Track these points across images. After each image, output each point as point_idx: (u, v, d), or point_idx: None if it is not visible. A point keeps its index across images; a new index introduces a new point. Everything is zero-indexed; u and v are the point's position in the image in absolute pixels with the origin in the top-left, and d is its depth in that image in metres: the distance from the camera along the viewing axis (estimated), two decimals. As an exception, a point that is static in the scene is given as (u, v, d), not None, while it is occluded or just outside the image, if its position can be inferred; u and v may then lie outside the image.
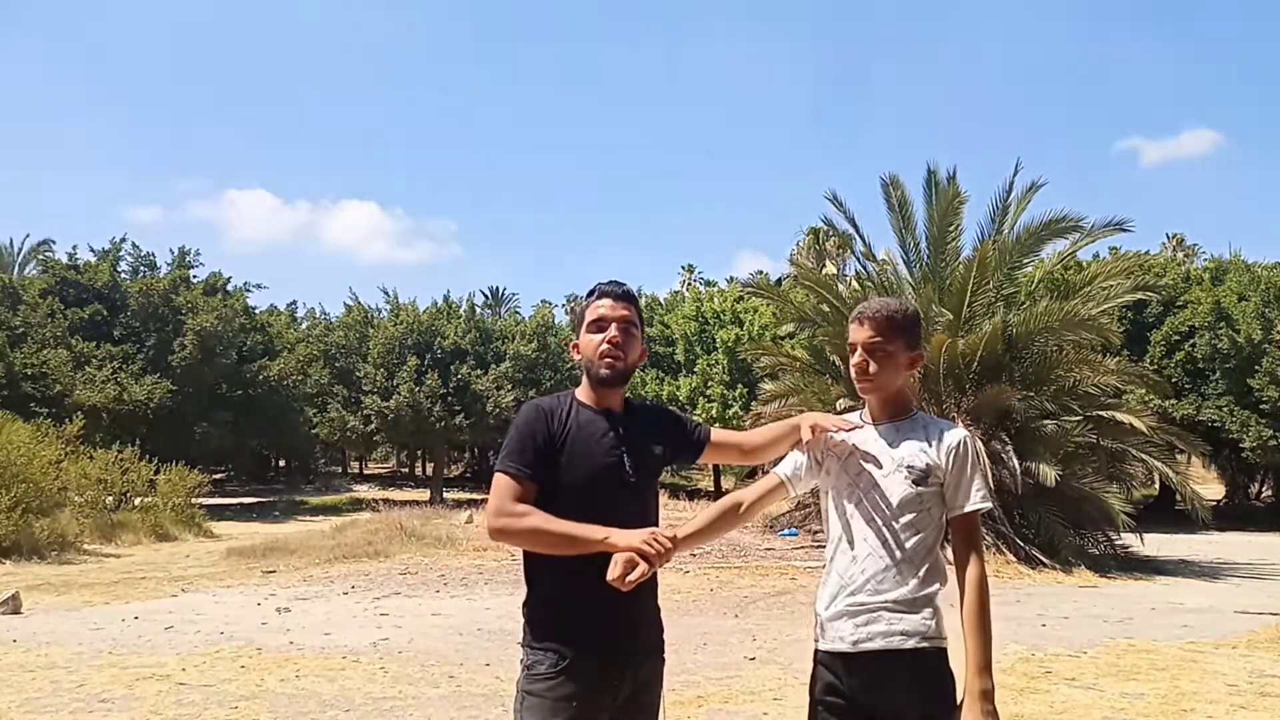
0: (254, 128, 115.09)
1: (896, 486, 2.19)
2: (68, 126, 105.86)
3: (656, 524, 2.24)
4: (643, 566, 2.02)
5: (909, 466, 2.19)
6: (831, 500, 2.29)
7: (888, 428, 2.26)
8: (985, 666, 2.08)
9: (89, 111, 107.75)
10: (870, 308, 2.27)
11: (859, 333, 2.25)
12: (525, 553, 2.26)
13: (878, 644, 2.12)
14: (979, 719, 2.05)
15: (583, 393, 2.32)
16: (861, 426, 2.29)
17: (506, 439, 2.26)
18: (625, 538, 2.05)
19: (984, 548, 2.31)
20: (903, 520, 2.17)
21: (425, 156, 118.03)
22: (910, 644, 2.11)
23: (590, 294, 2.36)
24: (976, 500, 2.19)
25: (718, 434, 2.54)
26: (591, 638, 2.15)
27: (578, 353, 2.34)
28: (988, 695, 2.06)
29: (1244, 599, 10.17)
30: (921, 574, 2.16)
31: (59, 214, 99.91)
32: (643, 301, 32.28)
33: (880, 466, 2.21)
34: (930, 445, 2.21)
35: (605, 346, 2.25)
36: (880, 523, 2.18)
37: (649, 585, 2.19)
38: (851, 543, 2.21)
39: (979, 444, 2.23)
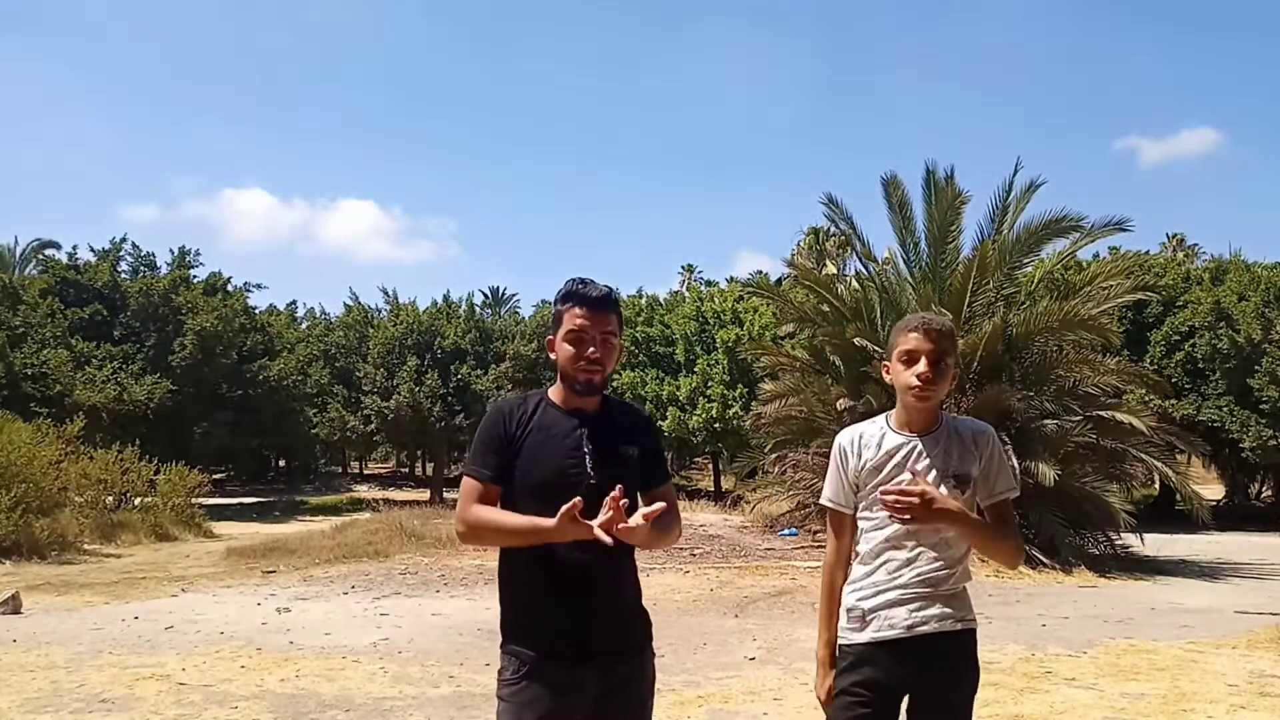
0: (251, 126, 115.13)
1: (945, 495, 2.27)
2: (63, 124, 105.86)
3: None
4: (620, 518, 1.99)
5: (955, 475, 2.31)
6: (878, 508, 2.33)
7: (929, 439, 2.36)
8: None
9: (84, 108, 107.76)
10: (934, 321, 2.37)
11: (922, 343, 2.31)
12: (499, 554, 2.26)
13: (931, 627, 2.26)
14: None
15: (555, 392, 2.28)
16: None
17: (473, 441, 2.29)
18: (575, 527, 1.99)
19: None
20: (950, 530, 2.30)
21: (423, 155, 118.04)
22: (960, 626, 2.30)
23: (567, 298, 2.24)
24: (1003, 488, 2.37)
25: (662, 496, 2.31)
26: (553, 640, 2.14)
27: (552, 351, 2.27)
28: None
29: (1244, 599, 10.16)
30: (962, 568, 2.34)
31: (53, 211, 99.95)
32: (642, 301, 32.28)
33: (929, 480, 2.29)
34: (968, 449, 2.34)
35: (583, 363, 2.20)
36: (931, 530, 2.28)
37: (621, 581, 2.19)
38: (901, 547, 2.31)
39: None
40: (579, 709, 2.14)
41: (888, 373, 2.42)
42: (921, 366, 2.29)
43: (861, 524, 2.38)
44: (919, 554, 2.29)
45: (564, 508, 1.99)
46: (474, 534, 2.20)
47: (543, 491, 2.14)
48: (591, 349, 2.19)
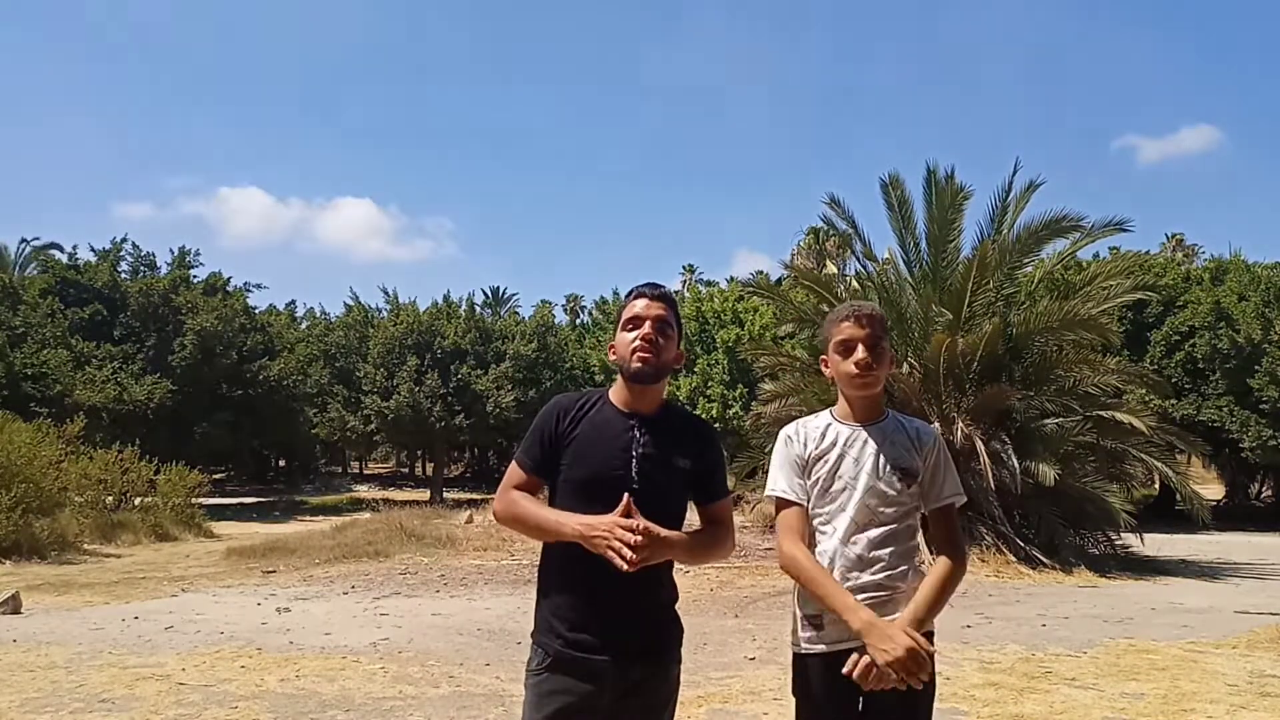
0: (247, 124, 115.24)
1: (890, 488, 2.27)
2: (57, 120, 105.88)
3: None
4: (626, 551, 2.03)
5: (901, 469, 2.28)
6: (825, 503, 2.31)
7: (875, 429, 2.33)
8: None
9: (79, 105, 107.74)
10: (864, 307, 2.36)
11: (856, 330, 2.30)
12: (541, 549, 2.32)
13: None
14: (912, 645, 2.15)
15: (614, 392, 2.32)
16: None
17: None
18: (585, 524, 2.08)
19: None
20: (899, 523, 2.27)
21: (421, 154, 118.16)
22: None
23: (629, 294, 2.36)
24: (950, 493, 2.31)
25: (716, 511, 2.35)
26: (578, 635, 2.17)
27: (614, 353, 2.33)
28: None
29: (1244, 599, 10.16)
30: (914, 563, 2.30)
31: (47, 209, 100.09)
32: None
33: (874, 469, 2.28)
34: (912, 445, 2.31)
35: (638, 343, 2.24)
36: (879, 522, 2.26)
37: (655, 586, 2.21)
38: (852, 541, 2.26)
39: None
40: (598, 705, 2.16)
41: (826, 367, 2.39)
42: (860, 353, 2.27)
43: (813, 520, 2.31)
44: (865, 552, 2.23)
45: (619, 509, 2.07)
46: (507, 518, 2.28)
47: (585, 488, 2.19)
48: (646, 329, 2.25)
